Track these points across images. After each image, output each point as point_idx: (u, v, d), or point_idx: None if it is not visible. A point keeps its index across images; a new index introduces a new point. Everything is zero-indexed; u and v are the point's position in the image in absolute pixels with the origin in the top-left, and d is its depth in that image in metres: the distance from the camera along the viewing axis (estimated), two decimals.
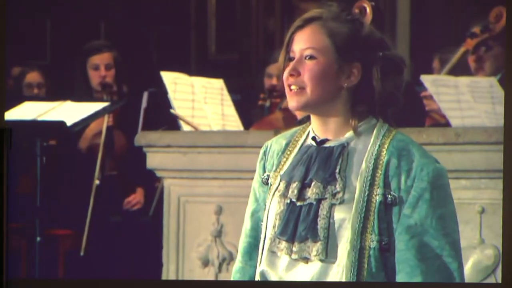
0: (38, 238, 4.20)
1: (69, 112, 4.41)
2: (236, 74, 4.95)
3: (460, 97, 3.87)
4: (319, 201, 2.26)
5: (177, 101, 3.95)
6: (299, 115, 2.43)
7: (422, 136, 3.71)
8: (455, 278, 2.25)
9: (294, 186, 2.29)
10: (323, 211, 2.25)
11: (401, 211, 2.23)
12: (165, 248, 3.79)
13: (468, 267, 3.62)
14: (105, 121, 4.59)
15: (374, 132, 2.28)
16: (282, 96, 4.36)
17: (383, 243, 2.25)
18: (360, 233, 2.25)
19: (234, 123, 4.16)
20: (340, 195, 2.26)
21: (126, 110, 4.71)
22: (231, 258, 3.74)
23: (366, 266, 2.25)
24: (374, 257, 2.24)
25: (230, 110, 4.19)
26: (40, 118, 4.36)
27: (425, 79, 3.96)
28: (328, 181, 2.26)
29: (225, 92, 4.12)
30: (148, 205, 4.46)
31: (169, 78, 4.04)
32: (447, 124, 3.88)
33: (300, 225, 2.27)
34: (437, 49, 4.45)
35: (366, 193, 2.26)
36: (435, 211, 2.22)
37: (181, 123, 4.05)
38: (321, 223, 2.25)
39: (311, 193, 2.27)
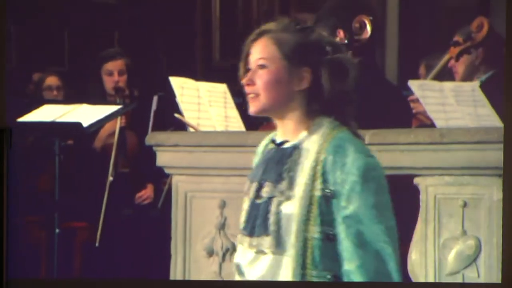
0: (57, 230, 4.21)
1: (85, 114, 4.38)
2: (238, 79, 4.94)
3: (445, 100, 3.85)
4: (270, 198, 2.32)
5: (184, 104, 3.96)
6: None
7: (410, 136, 3.71)
8: (389, 262, 2.26)
9: (253, 186, 2.37)
10: (273, 207, 2.31)
11: (339, 203, 2.27)
12: (173, 240, 3.81)
13: (451, 257, 3.60)
14: (118, 123, 4.60)
15: (321, 131, 2.32)
16: None
17: (329, 233, 2.29)
18: (304, 225, 2.28)
19: (236, 124, 4.18)
20: (287, 192, 2.30)
21: (137, 112, 4.70)
22: (233, 248, 3.76)
23: (310, 255, 2.28)
24: (317, 246, 2.28)
25: (233, 112, 4.21)
26: (58, 120, 4.34)
27: (412, 84, 3.92)
28: (277, 180, 2.32)
29: (228, 95, 4.15)
30: (157, 199, 4.46)
31: (177, 83, 4.04)
32: (432, 125, 3.84)
33: (257, 221, 2.34)
34: (423, 57, 4.42)
35: (309, 189, 2.29)
36: (368, 201, 2.26)
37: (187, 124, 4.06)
38: (271, 218, 2.30)
39: (264, 192, 2.34)
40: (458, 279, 3.60)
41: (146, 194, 4.44)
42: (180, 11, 4.79)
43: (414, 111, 4.05)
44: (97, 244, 4.42)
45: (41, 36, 4.78)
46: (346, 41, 3.97)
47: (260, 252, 2.32)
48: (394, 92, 4.14)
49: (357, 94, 4.12)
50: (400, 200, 3.79)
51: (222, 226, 3.79)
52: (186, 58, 4.77)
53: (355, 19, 3.89)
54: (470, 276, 3.58)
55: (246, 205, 2.38)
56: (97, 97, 4.69)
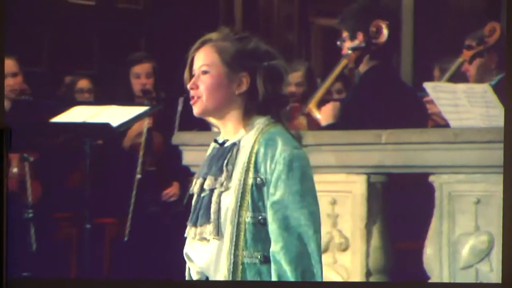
0: (87, 226, 4.27)
1: (114, 115, 4.44)
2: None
3: (458, 101, 3.89)
4: (212, 190, 2.45)
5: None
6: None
7: (425, 136, 3.77)
8: (310, 243, 2.38)
9: (198, 181, 2.50)
10: (214, 198, 2.45)
11: (268, 190, 2.40)
12: None
13: (465, 252, 3.65)
14: (146, 123, 4.62)
15: (256, 128, 2.45)
16: (301, 101, 4.43)
17: (259, 218, 2.41)
18: (238, 211, 2.42)
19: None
20: (225, 183, 2.43)
21: (163, 113, 4.73)
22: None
23: (243, 238, 2.41)
24: (249, 230, 2.41)
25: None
26: (88, 121, 4.40)
27: (427, 86, 3.97)
28: (218, 174, 2.47)
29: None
30: (182, 196, 4.48)
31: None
32: (446, 125, 3.87)
33: (200, 212, 2.47)
34: (438, 60, 4.44)
35: (243, 178, 2.42)
36: (292, 188, 2.39)
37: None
38: (212, 208, 2.43)
39: (206, 185, 2.48)
40: (471, 273, 3.62)
41: (172, 191, 4.47)
42: (204, 17, 4.84)
43: (429, 111, 4.07)
44: (126, 239, 4.46)
45: (73, 41, 4.83)
46: (364, 44, 4.04)
47: (203, 239, 2.45)
48: (409, 93, 4.21)
49: (372, 96, 4.16)
50: (415, 198, 3.85)
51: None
52: None
53: (372, 23, 3.97)
54: (483, 269, 3.62)
55: (193, 200, 2.51)
56: (126, 99, 4.73)
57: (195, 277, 2.54)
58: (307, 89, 4.64)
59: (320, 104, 4.13)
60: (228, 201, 2.43)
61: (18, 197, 4.55)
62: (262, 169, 2.40)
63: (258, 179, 2.41)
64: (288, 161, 2.38)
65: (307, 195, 2.41)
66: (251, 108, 2.45)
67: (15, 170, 4.58)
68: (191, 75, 2.48)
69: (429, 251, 3.69)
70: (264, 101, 2.44)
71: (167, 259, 3.62)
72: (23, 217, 4.44)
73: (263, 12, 5.13)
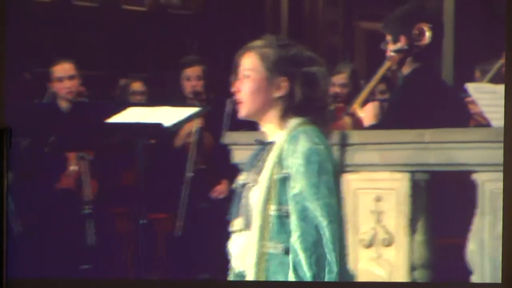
0: (141, 221, 4.31)
1: (166, 116, 4.47)
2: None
3: (498, 101, 3.88)
4: (244, 186, 2.58)
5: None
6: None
7: (467, 135, 3.81)
8: (325, 233, 2.45)
9: (238, 177, 2.64)
10: (245, 192, 2.56)
11: (290, 184, 2.51)
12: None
13: None
14: (196, 123, 4.65)
15: (288, 128, 2.56)
16: (346, 102, 4.44)
17: (283, 211, 2.49)
18: (265, 204, 2.50)
19: None
20: (255, 179, 2.54)
21: (213, 114, 4.73)
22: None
23: (269, 230, 2.48)
24: (274, 223, 2.49)
25: None
26: (141, 121, 4.44)
27: (469, 86, 4.00)
28: (250, 170, 2.57)
29: None
30: (232, 194, 4.48)
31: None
32: (488, 125, 3.88)
33: (234, 207, 2.62)
34: (478, 62, 4.42)
35: (270, 174, 2.51)
36: (310, 181, 2.47)
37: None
38: (242, 201, 2.56)
39: (240, 180, 2.60)
40: None
41: (221, 189, 4.48)
42: (251, 22, 4.87)
43: (470, 111, 4.08)
44: (178, 233, 4.49)
45: (127, 46, 4.89)
46: (406, 47, 4.06)
47: (237, 231, 2.58)
48: (451, 94, 4.20)
49: (415, 97, 4.14)
50: (458, 195, 3.84)
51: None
52: None
53: (415, 27, 4.00)
54: None
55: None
56: (177, 100, 4.75)
57: (234, 270, 2.63)
58: (351, 90, 4.62)
59: (364, 104, 4.15)
60: (256, 195, 2.53)
61: (76, 194, 4.63)
62: (286, 165, 2.49)
63: (283, 174, 2.50)
64: (307, 156, 2.47)
65: (323, 187, 2.49)
66: (289, 110, 2.55)
67: (72, 168, 4.67)
68: (236, 79, 2.61)
69: (471, 246, 3.69)
70: (301, 104, 2.54)
71: (218, 253, 3.66)
72: (81, 213, 4.50)
73: (309, 17, 5.14)
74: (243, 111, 2.60)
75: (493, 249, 3.67)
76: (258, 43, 2.60)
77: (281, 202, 2.49)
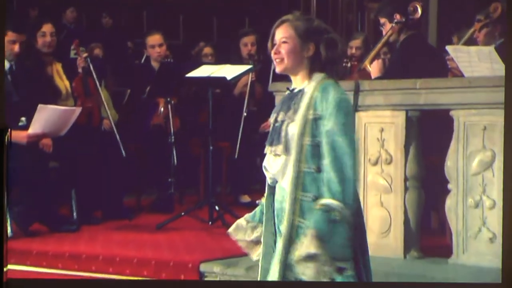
0: (211, 148, 4.58)
1: (229, 71, 4.76)
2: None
3: (471, 59, 4.00)
4: (282, 122, 2.70)
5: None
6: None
7: (447, 83, 3.88)
8: (349, 159, 2.58)
9: (274, 116, 2.75)
10: (283, 126, 2.69)
11: (323, 122, 2.67)
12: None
13: (475, 163, 3.71)
14: (250, 77, 5.07)
15: (316, 80, 2.73)
16: (359, 60, 4.75)
17: (315, 141, 2.60)
18: (301, 136, 2.66)
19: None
20: (292, 117, 2.67)
21: (263, 71, 5.16)
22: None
23: (304, 154, 2.61)
24: (308, 150, 2.63)
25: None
26: (211, 75, 4.75)
27: (449, 48, 4.17)
28: (287, 110, 2.70)
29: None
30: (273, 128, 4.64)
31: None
32: (462, 76, 4.02)
33: (275, 136, 2.72)
34: (456, 30, 4.66)
35: (305, 114, 2.66)
36: (339, 120, 2.64)
37: None
38: (282, 133, 2.68)
39: (280, 117, 2.72)
40: (479, 179, 3.67)
41: (268, 125, 4.64)
42: (289, 5, 5.18)
43: (449, 66, 4.25)
44: (236, 157, 4.86)
45: (199, 20, 5.24)
46: (404, 20, 4.20)
47: (276, 155, 2.66)
48: (435, 53, 4.40)
49: (410, 56, 4.27)
50: (440, 126, 4.05)
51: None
52: None
53: (410, 4, 4.21)
54: (488, 176, 3.67)
55: (270, 128, 2.74)
56: (237, 61, 5.07)
57: (268, 181, 2.71)
58: (363, 51, 4.95)
59: (372, 62, 4.24)
60: (293, 129, 2.61)
61: (164, 128, 5.08)
62: (319, 108, 2.59)
63: (316, 114, 2.59)
64: (338, 102, 2.58)
65: (350, 125, 2.62)
66: (314, 67, 2.65)
67: (161, 109, 5.09)
68: (273, 45, 2.70)
69: (449, 163, 3.78)
70: (324, 62, 2.63)
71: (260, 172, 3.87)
72: (168, 141, 4.92)
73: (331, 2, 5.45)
74: (282, 67, 2.67)
75: (465, 165, 3.71)
76: (289, 17, 2.68)
77: (314, 135, 2.59)
